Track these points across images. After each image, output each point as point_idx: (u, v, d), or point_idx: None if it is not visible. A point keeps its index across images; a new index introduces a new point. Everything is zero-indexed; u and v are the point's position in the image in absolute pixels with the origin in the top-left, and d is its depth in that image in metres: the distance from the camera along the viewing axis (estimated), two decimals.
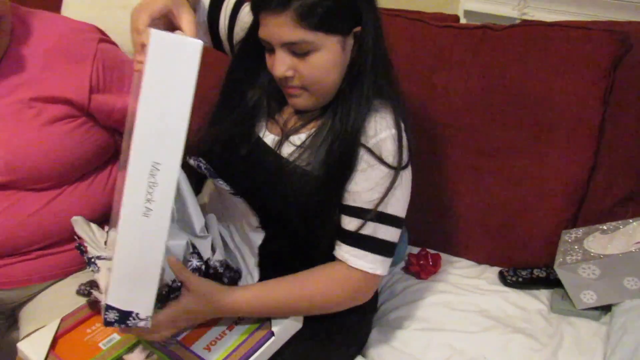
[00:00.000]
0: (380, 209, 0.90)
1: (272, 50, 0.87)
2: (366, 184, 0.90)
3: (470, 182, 1.29)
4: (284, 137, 0.96)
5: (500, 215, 1.27)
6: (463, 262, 1.32)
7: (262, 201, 0.93)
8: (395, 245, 0.95)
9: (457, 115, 1.29)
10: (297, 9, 0.80)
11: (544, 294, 1.20)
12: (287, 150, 0.95)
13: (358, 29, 0.87)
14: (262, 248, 0.94)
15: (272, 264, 0.94)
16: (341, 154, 0.90)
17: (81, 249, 0.94)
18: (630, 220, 1.16)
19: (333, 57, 0.86)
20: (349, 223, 0.92)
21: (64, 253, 1.11)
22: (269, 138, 0.98)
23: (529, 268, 1.24)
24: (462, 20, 1.48)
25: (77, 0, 1.65)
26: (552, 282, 1.18)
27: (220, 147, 0.97)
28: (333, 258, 0.95)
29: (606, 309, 1.12)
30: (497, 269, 1.28)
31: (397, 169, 0.89)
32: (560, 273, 1.11)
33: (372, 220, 0.90)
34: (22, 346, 0.91)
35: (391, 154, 0.89)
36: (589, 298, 1.10)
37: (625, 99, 1.21)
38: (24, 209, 1.04)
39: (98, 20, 1.57)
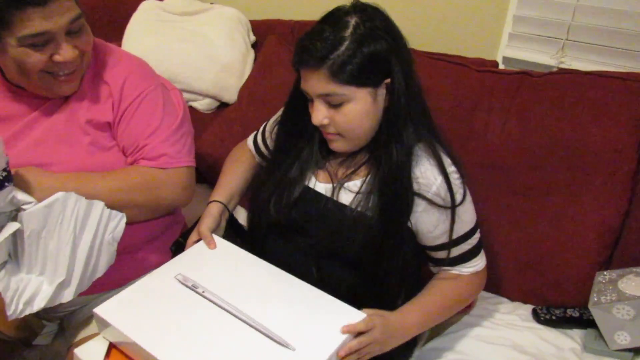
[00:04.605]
0: (454, 237, 1.01)
1: (312, 101, 0.97)
2: (430, 223, 1.01)
3: (506, 221, 1.33)
4: (339, 184, 1.04)
5: (535, 254, 1.29)
6: (497, 299, 1.34)
7: (332, 248, 1.02)
8: (481, 240, 1.08)
9: (494, 155, 1.34)
10: (330, 66, 0.90)
11: (576, 333, 1.21)
12: (345, 197, 1.02)
13: (388, 80, 0.95)
14: (333, 289, 0.98)
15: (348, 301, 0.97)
16: (395, 199, 0.98)
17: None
18: None
19: (365, 107, 0.95)
20: (439, 254, 1.04)
21: (131, 261, 1.15)
22: (321, 187, 1.06)
23: (562, 307, 1.26)
24: (501, 66, 1.54)
25: (138, 31, 1.75)
26: (584, 323, 1.21)
27: (276, 199, 1.07)
28: (403, 288, 1.07)
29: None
30: (530, 307, 1.30)
31: (453, 208, 0.99)
32: (595, 312, 1.13)
33: (455, 246, 1.02)
34: (79, 352, 0.95)
35: (446, 197, 0.99)
36: (623, 339, 1.12)
37: None
38: None
39: (157, 50, 1.68)
